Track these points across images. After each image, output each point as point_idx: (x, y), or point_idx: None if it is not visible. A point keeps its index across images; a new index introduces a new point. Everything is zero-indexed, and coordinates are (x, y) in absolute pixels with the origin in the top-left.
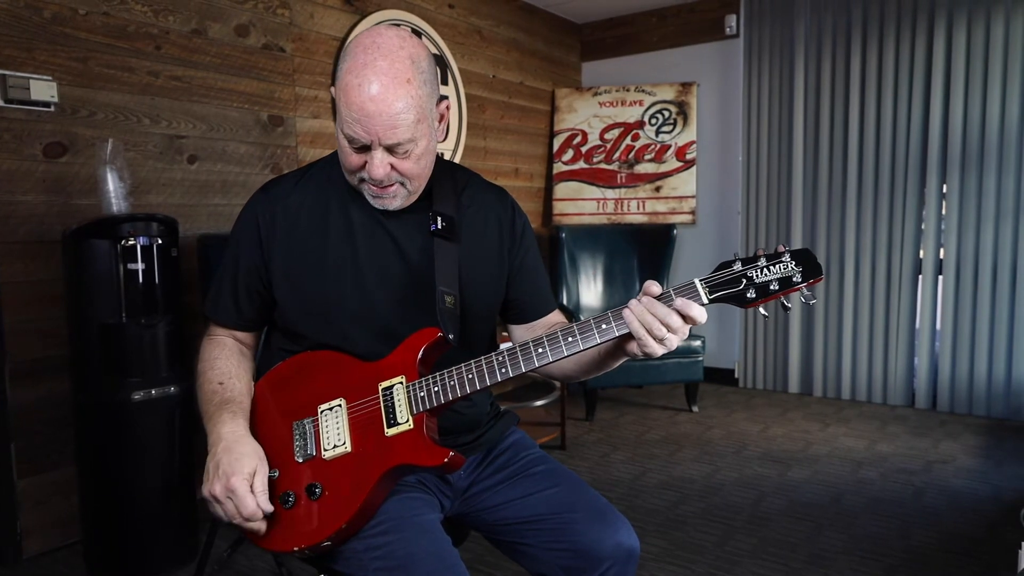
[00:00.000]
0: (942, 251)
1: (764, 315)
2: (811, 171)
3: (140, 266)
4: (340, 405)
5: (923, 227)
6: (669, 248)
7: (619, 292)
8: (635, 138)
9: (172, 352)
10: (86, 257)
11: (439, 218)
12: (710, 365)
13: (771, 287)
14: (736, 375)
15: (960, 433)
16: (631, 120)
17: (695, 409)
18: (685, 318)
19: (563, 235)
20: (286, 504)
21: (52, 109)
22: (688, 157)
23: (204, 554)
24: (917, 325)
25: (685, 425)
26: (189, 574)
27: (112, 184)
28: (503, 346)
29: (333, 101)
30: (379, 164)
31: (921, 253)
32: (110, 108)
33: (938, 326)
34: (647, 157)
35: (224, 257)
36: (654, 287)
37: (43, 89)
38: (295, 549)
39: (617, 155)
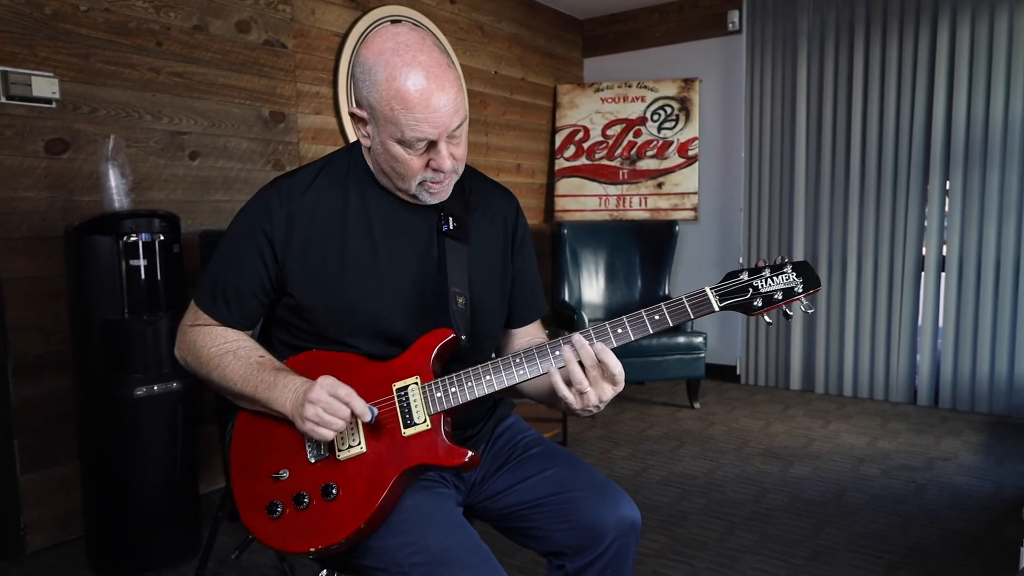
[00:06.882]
0: (945, 248)
1: (768, 322)
2: (814, 167)
3: (142, 262)
4: None
5: (926, 224)
6: (671, 245)
7: (621, 289)
8: (637, 134)
9: (174, 348)
10: (88, 253)
11: (450, 218)
12: (712, 362)
13: (775, 297)
14: (738, 372)
15: (962, 430)
16: (633, 116)
17: (697, 406)
18: (602, 365)
19: (565, 231)
20: (300, 505)
21: (54, 106)
22: (690, 153)
23: (207, 550)
24: (919, 322)
25: (687, 421)
26: (191, 570)
27: (114, 180)
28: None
29: (361, 119)
30: (447, 155)
31: (924, 250)
32: (112, 104)
33: (940, 323)
34: (649, 153)
35: (224, 247)
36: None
37: (45, 85)
38: (311, 550)
39: (619, 151)
